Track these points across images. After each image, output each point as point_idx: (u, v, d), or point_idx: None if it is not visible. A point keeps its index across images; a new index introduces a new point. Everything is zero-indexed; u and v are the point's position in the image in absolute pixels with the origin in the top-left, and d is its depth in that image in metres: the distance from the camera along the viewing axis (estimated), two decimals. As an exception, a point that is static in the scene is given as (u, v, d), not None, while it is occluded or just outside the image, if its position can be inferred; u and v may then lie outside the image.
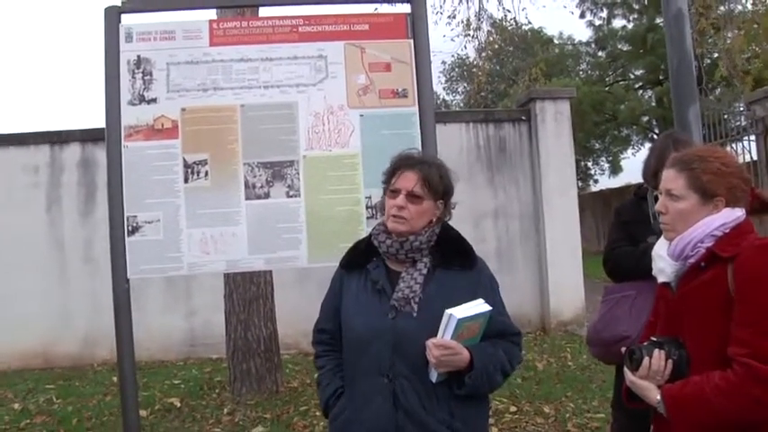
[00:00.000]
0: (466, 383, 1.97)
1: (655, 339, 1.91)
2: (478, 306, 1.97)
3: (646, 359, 1.86)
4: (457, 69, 27.89)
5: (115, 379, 6.80)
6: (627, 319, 2.78)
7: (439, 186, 2.12)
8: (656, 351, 1.86)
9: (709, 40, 11.90)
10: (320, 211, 2.97)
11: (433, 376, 1.99)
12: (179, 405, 5.80)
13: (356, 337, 2.09)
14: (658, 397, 1.83)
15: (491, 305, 2.00)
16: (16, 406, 6.03)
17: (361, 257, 2.19)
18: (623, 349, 1.97)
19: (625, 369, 1.95)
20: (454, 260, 2.12)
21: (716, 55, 14.12)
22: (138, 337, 2.96)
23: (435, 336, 1.94)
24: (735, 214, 1.86)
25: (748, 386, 1.67)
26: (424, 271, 2.08)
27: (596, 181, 29.38)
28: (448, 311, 1.92)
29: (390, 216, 2.09)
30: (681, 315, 1.90)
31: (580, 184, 23.49)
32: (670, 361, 1.85)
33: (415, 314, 2.02)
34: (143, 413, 5.24)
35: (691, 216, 1.88)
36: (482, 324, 2.01)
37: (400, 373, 2.00)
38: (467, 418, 2.04)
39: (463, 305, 1.95)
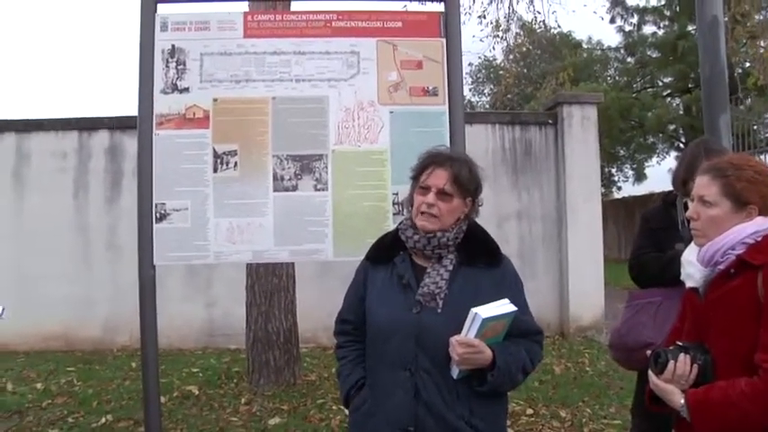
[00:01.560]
0: (488, 381, 1.98)
1: (680, 344, 1.91)
2: (504, 306, 1.97)
3: (671, 363, 1.86)
4: (484, 71, 27.81)
5: (134, 365, 6.92)
6: (651, 325, 2.76)
7: (469, 184, 2.13)
8: (682, 355, 1.86)
9: (742, 49, 11.73)
10: (347, 205, 2.99)
11: (455, 372, 1.99)
12: (197, 393, 5.87)
13: (380, 330, 2.10)
14: (682, 401, 1.83)
15: (515, 304, 2.00)
16: (39, 386, 6.15)
17: (387, 251, 2.20)
18: (648, 352, 1.97)
19: (650, 372, 1.95)
20: (480, 258, 2.12)
21: (747, 64, 13.93)
22: (158, 325, 2.98)
23: (459, 332, 1.94)
24: (767, 223, 1.85)
25: None
26: (450, 267, 2.08)
27: (620, 188, 29.14)
28: (473, 310, 1.92)
29: (420, 213, 2.09)
30: (708, 321, 1.90)
31: (603, 190, 23.30)
32: (695, 365, 1.85)
33: (439, 310, 2.02)
34: (161, 399, 5.30)
35: (723, 223, 1.88)
36: (506, 324, 2.01)
37: (422, 367, 2.01)
38: (486, 415, 2.04)
39: (489, 304, 1.94)
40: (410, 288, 2.08)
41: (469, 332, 1.93)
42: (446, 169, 2.10)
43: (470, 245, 2.14)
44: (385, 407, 2.05)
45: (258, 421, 5.07)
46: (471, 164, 2.18)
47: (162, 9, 3.08)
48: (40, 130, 8.53)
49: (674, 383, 1.87)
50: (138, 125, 3.00)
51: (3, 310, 3.16)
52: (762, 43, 10.23)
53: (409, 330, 2.03)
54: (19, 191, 8.40)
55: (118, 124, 8.51)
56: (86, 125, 8.59)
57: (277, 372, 6.00)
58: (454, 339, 1.93)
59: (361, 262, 2.31)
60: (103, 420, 5.08)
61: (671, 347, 1.92)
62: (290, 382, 6.02)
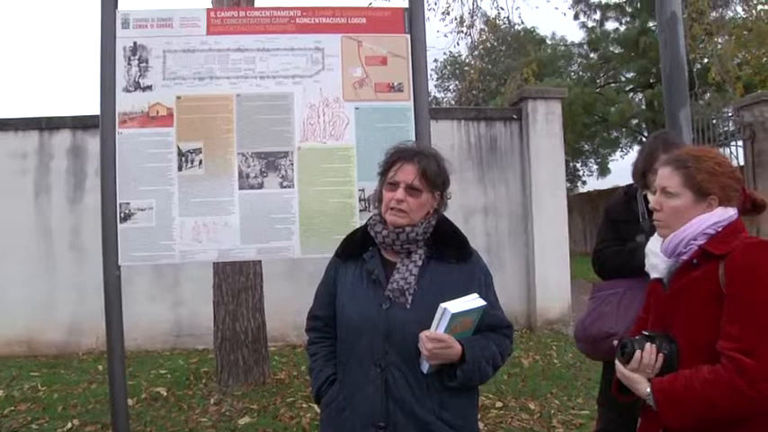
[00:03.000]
0: (457, 376, 1.99)
1: (646, 333, 1.95)
2: (473, 301, 1.98)
3: (637, 352, 1.90)
4: (449, 67, 27.91)
5: (101, 368, 6.82)
6: (614, 315, 2.82)
7: (437, 178, 2.13)
8: (648, 345, 1.90)
9: (700, 46, 11.99)
10: (313, 202, 2.98)
11: (425, 367, 2.01)
12: (165, 394, 5.79)
13: (350, 326, 2.11)
14: (648, 389, 1.87)
15: (484, 299, 2.02)
16: (0, 393, 6.00)
17: (356, 247, 2.21)
18: (615, 342, 2.01)
19: (616, 361, 1.98)
20: (449, 253, 2.13)
21: (705, 60, 14.23)
22: (124, 327, 2.95)
23: (428, 328, 1.95)
24: (727, 213, 1.91)
25: (735, 380, 1.71)
26: (419, 263, 2.09)
27: (584, 182, 29.56)
28: (442, 305, 1.92)
29: (389, 209, 2.10)
30: (672, 310, 1.94)
31: (568, 185, 23.57)
32: (661, 354, 1.89)
33: (408, 306, 2.03)
34: (129, 402, 5.21)
35: (685, 213, 1.93)
36: (475, 318, 2.02)
37: (392, 362, 2.02)
38: (457, 409, 2.06)
39: (458, 299, 1.95)
40: (379, 284, 2.09)
41: (439, 327, 1.94)
42: (414, 164, 2.10)
43: (440, 240, 2.15)
44: (356, 402, 2.06)
45: (228, 421, 5.03)
46: (439, 158, 2.19)
47: (123, 5, 3.04)
48: (-1, 129, 8.33)
49: (640, 372, 1.91)
50: (100, 124, 2.95)
51: None
52: (719, 40, 10.47)
53: (379, 326, 2.03)
54: (-23, 193, 8.19)
55: (80, 123, 8.34)
56: (48, 125, 8.41)
57: (246, 371, 5.96)
58: (423, 334, 1.94)
59: (332, 258, 2.31)
60: (69, 425, 4.99)
61: (637, 337, 1.95)
62: (260, 382, 5.99)
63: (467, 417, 2.12)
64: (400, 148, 2.19)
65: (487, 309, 2.03)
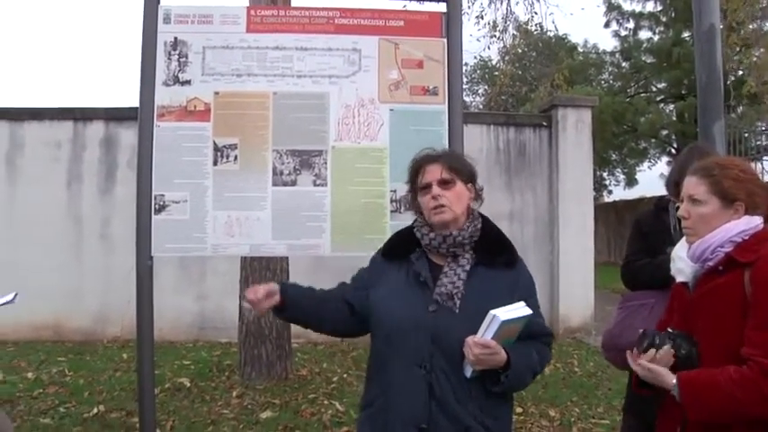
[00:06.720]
0: (502, 382, 1.99)
1: (671, 331, 1.99)
2: (520, 309, 1.98)
3: (651, 350, 1.95)
4: (479, 71, 27.84)
5: (125, 356, 6.93)
6: (644, 327, 2.81)
7: (463, 167, 2.18)
8: (667, 347, 1.94)
9: (735, 57, 11.84)
10: (345, 201, 3.01)
11: (468, 371, 2.00)
12: (189, 385, 5.88)
13: (395, 326, 2.08)
14: (674, 381, 1.89)
15: (528, 306, 2.01)
16: (30, 375, 6.15)
17: (402, 247, 2.22)
18: (640, 331, 2.04)
19: (635, 351, 2.03)
20: (496, 258, 2.15)
21: (740, 72, 14.05)
22: (149, 316, 3.00)
23: (475, 332, 1.95)
24: (754, 222, 1.95)
25: (760, 381, 1.75)
26: (467, 267, 2.10)
27: (610, 192, 29.27)
28: (492, 312, 1.92)
29: (431, 210, 2.11)
30: (696, 315, 1.99)
31: (594, 193, 23.41)
32: (671, 351, 1.93)
33: (457, 310, 2.03)
34: (153, 391, 5.31)
35: (713, 220, 1.97)
36: (521, 326, 2.02)
37: (437, 365, 2.01)
38: (495, 413, 2.06)
39: (506, 307, 1.95)
40: (427, 286, 2.09)
41: (486, 333, 1.94)
42: (436, 162, 2.15)
43: (486, 245, 2.16)
44: (397, 404, 2.05)
45: (250, 414, 5.09)
46: (457, 153, 2.29)
47: (165, 1, 3.10)
48: (35, 118, 8.49)
49: (656, 363, 1.95)
50: (138, 116, 3.00)
51: (15, 295, 3.17)
52: (755, 52, 10.34)
53: (426, 329, 2.03)
54: (12, 180, 8.38)
55: (113, 115, 8.46)
56: (82, 115, 8.56)
57: (269, 366, 6.02)
58: (471, 340, 1.94)
59: (377, 256, 2.31)
60: (95, 411, 5.09)
61: (661, 333, 1.99)
62: (282, 377, 6.05)
63: (504, 422, 2.13)
64: (418, 156, 2.24)
65: (531, 317, 2.04)
